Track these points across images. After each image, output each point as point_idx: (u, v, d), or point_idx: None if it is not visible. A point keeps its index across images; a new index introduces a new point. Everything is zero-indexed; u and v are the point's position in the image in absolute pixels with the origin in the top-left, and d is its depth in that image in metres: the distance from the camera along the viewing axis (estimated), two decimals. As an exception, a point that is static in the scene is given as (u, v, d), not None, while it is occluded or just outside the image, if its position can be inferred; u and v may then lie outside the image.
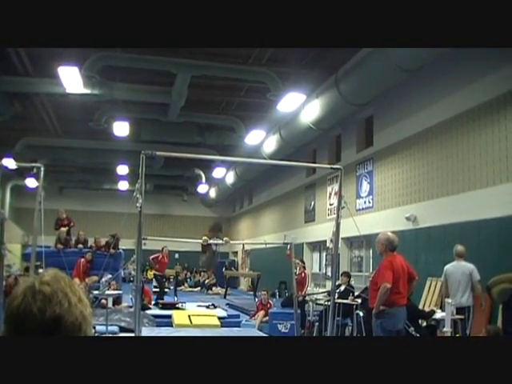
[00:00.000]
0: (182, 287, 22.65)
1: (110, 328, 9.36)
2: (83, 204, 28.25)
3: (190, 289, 23.69)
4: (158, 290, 15.13)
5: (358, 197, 14.23)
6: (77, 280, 12.00)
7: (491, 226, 9.07)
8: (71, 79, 11.25)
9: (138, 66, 12.24)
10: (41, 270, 7.21)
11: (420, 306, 9.74)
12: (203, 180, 23.44)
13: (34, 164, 9.61)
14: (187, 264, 28.08)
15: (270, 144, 16.09)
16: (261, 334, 10.00)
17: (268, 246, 11.14)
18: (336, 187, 14.51)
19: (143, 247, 6.60)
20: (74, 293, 1.28)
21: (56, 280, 1.28)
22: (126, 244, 15.12)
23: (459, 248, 8.05)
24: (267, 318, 11.27)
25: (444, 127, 10.66)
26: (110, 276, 10.94)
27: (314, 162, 16.74)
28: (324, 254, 16.97)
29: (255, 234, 25.03)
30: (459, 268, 7.88)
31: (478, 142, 9.70)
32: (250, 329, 10.82)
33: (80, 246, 14.82)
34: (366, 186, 13.96)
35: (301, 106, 13.02)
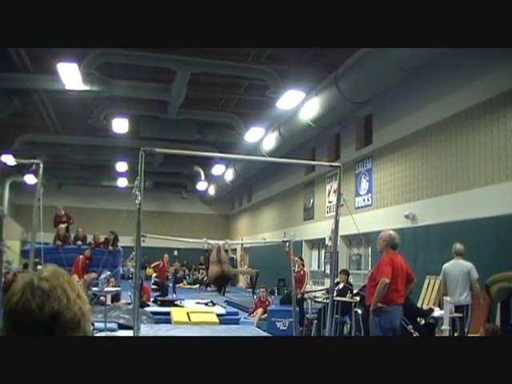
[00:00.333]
0: (181, 284, 22.69)
1: (108, 325, 9.37)
2: (82, 201, 28.23)
3: (189, 286, 23.72)
4: (158, 291, 15.17)
5: (357, 195, 14.24)
6: (75, 277, 12.00)
7: (490, 224, 9.08)
8: (70, 76, 11.24)
9: (137, 63, 12.23)
10: (39, 267, 7.22)
11: (418, 304, 9.75)
12: (202, 177, 23.44)
13: (32, 161, 9.60)
14: (186, 261, 28.11)
15: (270, 141, 16.08)
16: (259, 331, 10.01)
17: (267, 243, 11.14)
18: (335, 185, 14.51)
19: (142, 244, 6.60)
20: (73, 289, 1.28)
21: (55, 276, 1.28)
22: (124, 241, 15.11)
23: (458, 246, 8.05)
24: (266, 315, 11.28)
25: (443, 126, 10.66)
26: (108, 273, 10.93)
27: (313, 160, 16.74)
28: (323, 252, 16.97)
29: (254, 232, 25.04)
30: (458, 266, 7.88)
31: (477, 140, 9.71)
32: (249, 326, 10.83)
33: (79, 242, 14.82)
34: (364, 184, 13.96)
35: (300, 103, 13.02)
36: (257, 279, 17.89)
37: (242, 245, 24.86)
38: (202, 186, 24.91)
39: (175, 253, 28.32)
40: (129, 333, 7.72)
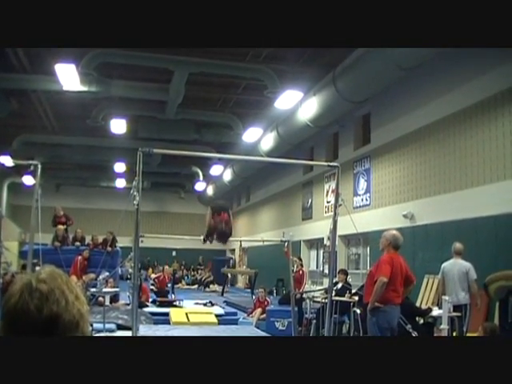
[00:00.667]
0: (180, 285, 22.67)
1: (107, 326, 9.36)
2: (80, 201, 28.19)
3: (188, 286, 23.72)
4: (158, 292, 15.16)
5: (356, 194, 14.24)
6: (74, 278, 11.98)
7: (488, 223, 9.09)
8: (68, 76, 11.22)
9: (135, 63, 12.21)
10: (38, 268, 7.21)
11: (417, 304, 9.76)
12: (200, 177, 23.44)
13: (31, 161, 9.60)
14: (184, 261, 28.10)
15: (268, 141, 16.07)
16: (258, 331, 10.01)
17: (265, 243, 11.14)
18: (333, 185, 14.48)
19: (140, 245, 6.60)
20: (71, 290, 1.28)
21: (53, 278, 1.27)
22: (123, 241, 15.08)
23: (457, 246, 8.06)
24: (264, 315, 11.28)
25: (441, 125, 10.66)
26: (107, 274, 10.91)
27: (312, 160, 16.74)
28: (321, 252, 16.97)
29: (253, 232, 25.02)
30: (456, 266, 7.89)
31: (475, 139, 9.71)
32: (248, 326, 10.84)
33: (77, 243, 14.78)
34: (363, 184, 13.96)
35: (298, 103, 13.01)
36: (255, 279, 17.87)
37: (241, 245, 24.85)
38: (200, 186, 24.90)
39: (173, 253, 28.36)
40: (127, 333, 7.71)
